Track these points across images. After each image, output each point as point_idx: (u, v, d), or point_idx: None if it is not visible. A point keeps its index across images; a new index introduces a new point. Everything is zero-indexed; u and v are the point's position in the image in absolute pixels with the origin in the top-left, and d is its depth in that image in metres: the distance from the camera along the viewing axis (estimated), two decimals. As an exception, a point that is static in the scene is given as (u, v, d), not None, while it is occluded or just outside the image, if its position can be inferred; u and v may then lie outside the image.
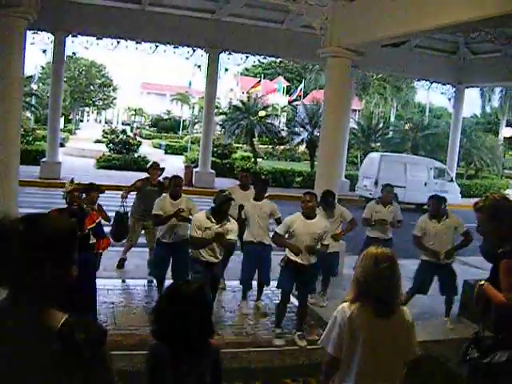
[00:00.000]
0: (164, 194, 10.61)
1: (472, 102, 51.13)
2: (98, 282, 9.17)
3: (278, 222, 10.25)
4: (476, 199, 5.74)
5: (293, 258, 8.94)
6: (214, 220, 8.71)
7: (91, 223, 8.31)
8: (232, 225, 8.90)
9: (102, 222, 9.11)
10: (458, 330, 9.92)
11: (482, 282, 5.18)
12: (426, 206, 11.51)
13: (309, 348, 8.67)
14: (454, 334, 9.72)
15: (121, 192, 12.35)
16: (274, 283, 9.89)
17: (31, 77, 49.95)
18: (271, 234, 9.99)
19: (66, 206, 8.32)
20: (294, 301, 10.10)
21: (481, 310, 5.29)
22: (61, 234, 2.69)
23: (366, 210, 11.91)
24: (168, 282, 9.66)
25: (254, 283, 10.82)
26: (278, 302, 9.87)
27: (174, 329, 3.54)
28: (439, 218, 10.36)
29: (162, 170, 12.73)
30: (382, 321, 4.28)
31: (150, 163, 14.55)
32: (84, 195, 9.00)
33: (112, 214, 11.44)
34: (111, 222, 11.12)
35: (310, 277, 9.26)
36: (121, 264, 12.36)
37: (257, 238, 10.36)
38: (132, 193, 12.52)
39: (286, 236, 9.09)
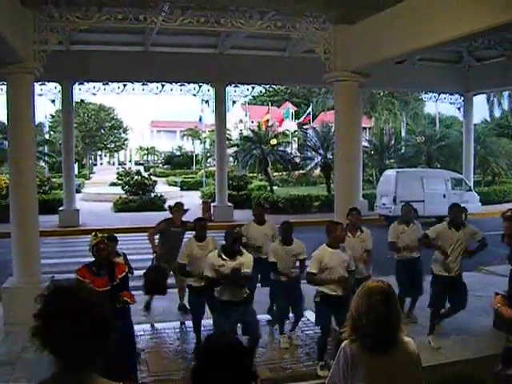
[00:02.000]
0: (189, 237, 10.55)
1: (480, 107, 51.04)
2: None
3: (302, 261, 10.25)
4: (496, 206, 5.71)
5: (329, 292, 8.86)
6: (225, 257, 8.65)
7: (121, 273, 8.26)
8: (246, 258, 8.81)
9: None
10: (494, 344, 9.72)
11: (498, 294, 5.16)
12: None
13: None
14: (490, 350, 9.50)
15: (141, 234, 12.33)
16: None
17: (41, 124, 50.32)
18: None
19: (93, 259, 8.28)
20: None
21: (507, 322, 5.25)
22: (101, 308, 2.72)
23: (391, 233, 11.70)
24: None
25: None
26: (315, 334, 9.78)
27: None
28: (458, 226, 10.18)
29: (186, 210, 12.61)
30: (381, 357, 4.15)
31: (168, 203, 14.53)
32: None
33: (134, 257, 11.41)
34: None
35: (348, 308, 9.14)
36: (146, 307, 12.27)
37: (285, 279, 10.28)
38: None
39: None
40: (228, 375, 3.17)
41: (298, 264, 10.42)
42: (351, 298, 8.99)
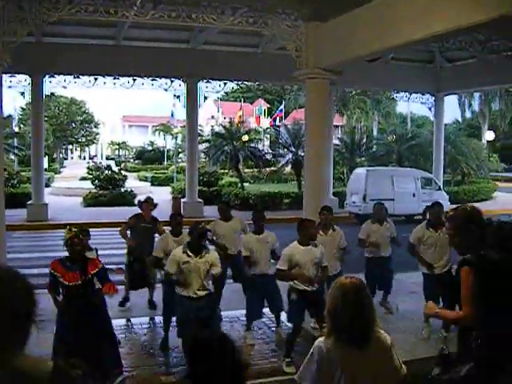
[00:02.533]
0: (165, 234, 10.53)
1: (451, 107, 51.49)
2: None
3: (273, 252, 10.26)
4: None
5: (300, 287, 8.91)
6: (191, 254, 8.60)
7: (94, 269, 8.19)
8: (212, 255, 8.81)
9: None
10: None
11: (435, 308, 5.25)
12: (417, 217, 11.43)
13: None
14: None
15: (111, 228, 12.31)
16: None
17: (10, 116, 49.76)
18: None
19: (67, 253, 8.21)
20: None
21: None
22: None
23: (362, 230, 11.81)
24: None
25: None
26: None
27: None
28: (437, 226, 10.28)
29: (155, 205, 12.66)
30: (357, 352, 4.20)
31: (138, 198, 14.45)
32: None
33: (105, 252, 11.32)
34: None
35: (322, 302, 9.22)
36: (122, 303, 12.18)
37: (262, 271, 10.24)
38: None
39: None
40: (224, 366, 3.16)
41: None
42: (324, 293, 9.16)
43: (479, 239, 5.03)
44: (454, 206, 5.75)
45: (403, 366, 4.47)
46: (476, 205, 5.65)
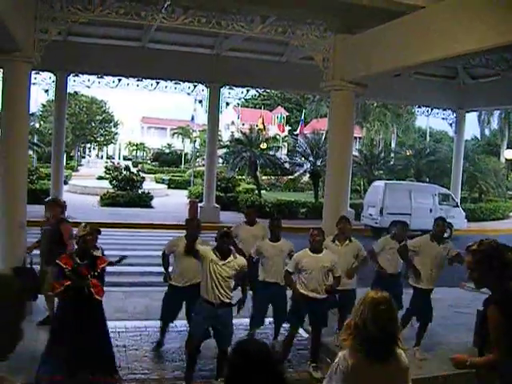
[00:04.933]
0: (180, 236, 10.43)
1: (470, 123, 51.26)
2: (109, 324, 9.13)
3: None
4: (481, 223, 5.70)
5: (303, 291, 9.02)
6: (218, 255, 8.52)
7: (102, 263, 8.26)
8: (240, 260, 8.65)
9: None
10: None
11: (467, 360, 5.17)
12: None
13: None
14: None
15: (126, 230, 12.19)
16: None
17: (33, 114, 50.11)
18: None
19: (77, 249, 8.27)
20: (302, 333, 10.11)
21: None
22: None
23: (380, 243, 11.67)
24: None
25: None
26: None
27: None
28: (440, 240, 10.28)
29: (62, 206, 11.44)
30: (380, 365, 4.24)
31: (47, 199, 13.85)
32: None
33: (113, 253, 11.30)
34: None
35: (322, 311, 9.26)
36: None
37: (272, 279, 10.22)
38: None
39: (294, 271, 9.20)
40: (265, 380, 3.15)
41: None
42: (330, 303, 9.18)
43: (501, 275, 4.98)
44: (478, 223, 5.73)
45: None
46: (491, 224, 5.60)
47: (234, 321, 9.04)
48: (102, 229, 9.51)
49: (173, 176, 54.77)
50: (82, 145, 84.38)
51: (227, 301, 8.43)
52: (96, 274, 8.07)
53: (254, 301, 10.68)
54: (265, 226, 11.56)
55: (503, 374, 4.80)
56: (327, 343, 10.07)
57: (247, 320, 10.70)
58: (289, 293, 10.05)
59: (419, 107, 30.92)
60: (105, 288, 8.35)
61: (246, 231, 11.68)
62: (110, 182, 36.19)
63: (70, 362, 7.59)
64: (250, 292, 10.46)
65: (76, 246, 8.45)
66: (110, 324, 9.33)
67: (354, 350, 4.29)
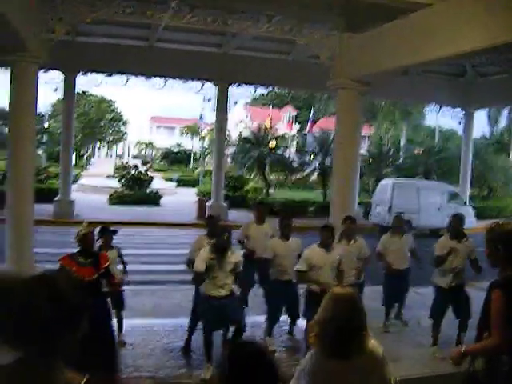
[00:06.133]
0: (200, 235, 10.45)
1: (480, 122, 51.09)
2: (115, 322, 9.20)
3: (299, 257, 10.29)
4: (491, 221, 5.72)
5: (318, 290, 9.00)
6: (217, 253, 8.72)
7: (105, 262, 8.28)
8: (236, 257, 8.96)
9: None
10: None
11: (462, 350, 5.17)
12: (441, 232, 11.33)
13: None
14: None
15: (135, 228, 12.22)
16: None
17: (42, 115, 50.30)
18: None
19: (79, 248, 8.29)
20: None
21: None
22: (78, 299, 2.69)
23: (380, 244, 11.71)
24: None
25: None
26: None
27: None
28: (460, 237, 10.16)
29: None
30: (348, 361, 4.17)
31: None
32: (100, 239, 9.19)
33: (127, 252, 11.33)
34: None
35: None
36: None
37: (285, 277, 10.30)
38: None
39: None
40: (262, 378, 3.15)
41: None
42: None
43: (507, 260, 5.00)
44: (487, 221, 5.76)
45: (396, 380, 4.44)
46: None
47: (248, 320, 9.23)
48: (111, 227, 9.60)
49: (182, 175, 54.88)
50: (92, 144, 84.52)
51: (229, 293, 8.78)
52: (102, 272, 8.10)
53: (267, 299, 10.74)
54: (274, 227, 11.59)
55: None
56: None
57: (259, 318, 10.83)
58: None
59: (427, 105, 30.87)
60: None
61: (256, 230, 11.76)
62: (119, 180, 36.32)
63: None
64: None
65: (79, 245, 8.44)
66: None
67: (321, 348, 4.25)
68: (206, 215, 10.85)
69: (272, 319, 10.54)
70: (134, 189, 34.48)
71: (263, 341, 10.32)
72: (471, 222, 28.25)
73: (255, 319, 10.96)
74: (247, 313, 10.47)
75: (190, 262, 9.91)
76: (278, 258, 10.31)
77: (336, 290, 4.42)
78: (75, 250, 8.17)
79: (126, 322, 10.53)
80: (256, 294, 11.86)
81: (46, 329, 2.53)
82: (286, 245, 10.38)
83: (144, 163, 62.68)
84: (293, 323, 10.77)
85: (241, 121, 65.44)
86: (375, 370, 4.30)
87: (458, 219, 10.59)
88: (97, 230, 8.89)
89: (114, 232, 9.77)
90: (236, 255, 9.05)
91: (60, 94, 26.65)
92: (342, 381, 4.21)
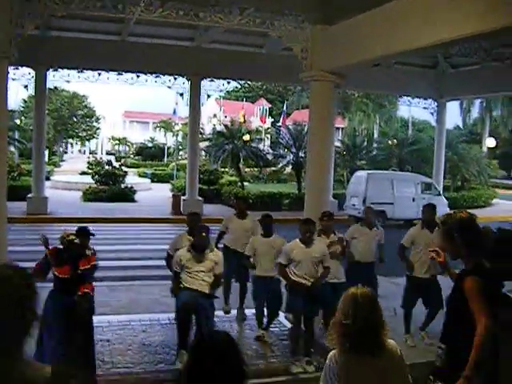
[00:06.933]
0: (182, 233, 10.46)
1: (452, 112, 51.47)
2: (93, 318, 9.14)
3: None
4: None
5: (299, 279, 9.14)
6: (194, 252, 8.79)
7: (85, 265, 8.24)
8: (216, 255, 9.00)
9: None
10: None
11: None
12: (415, 221, 11.39)
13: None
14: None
15: (109, 224, 12.15)
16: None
17: (13, 111, 49.80)
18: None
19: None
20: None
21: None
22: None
23: (347, 232, 11.45)
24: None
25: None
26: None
27: None
28: (432, 227, 10.16)
29: None
30: (370, 360, 4.23)
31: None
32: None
33: (101, 248, 11.24)
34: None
35: (318, 298, 9.37)
36: None
37: (267, 273, 10.36)
38: None
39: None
40: (224, 371, 3.13)
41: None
42: (320, 291, 9.29)
43: (467, 248, 5.03)
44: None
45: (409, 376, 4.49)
46: (474, 211, 5.66)
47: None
48: (85, 224, 9.52)
49: (156, 170, 54.72)
50: (64, 140, 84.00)
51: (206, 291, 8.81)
52: (76, 273, 8.08)
53: (253, 294, 10.80)
54: (255, 220, 11.69)
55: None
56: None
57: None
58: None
59: (400, 96, 31.06)
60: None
61: (237, 224, 11.80)
62: (93, 176, 36.09)
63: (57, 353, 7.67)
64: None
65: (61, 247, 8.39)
66: (94, 319, 9.35)
67: (342, 348, 4.28)
68: (188, 212, 10.76)
69: (258, 312, 10.63)
70: (109, 184, 34.28)
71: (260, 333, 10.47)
72: (445, 212, 28.52)
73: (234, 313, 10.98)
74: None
75: (170, 258, 9.91)
76: (259, 255, 10.43)
77: (353, 289, 4.40)
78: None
79: (102, 318, 10.49)
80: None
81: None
82: (266, 242, 10.45)
83: (118, 159, 62.43)
84: (270, 319, 10.74)
85: (214, 115, 65.34)
86: (395, 368, 4.36)
87: (430, 209, 10.70)
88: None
89: (91, 234, 9.71)
90: (216, 253, 9.09)
91: (31, 91, 26.38)
92: (364, 379, 4.27)
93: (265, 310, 10.64)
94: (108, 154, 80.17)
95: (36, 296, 2.77)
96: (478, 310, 4.82)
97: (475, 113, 60.03)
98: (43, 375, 2.61)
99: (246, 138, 39.37)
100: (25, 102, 64.71)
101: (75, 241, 8.22)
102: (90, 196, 32.77)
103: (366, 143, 44.80)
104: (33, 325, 2.70)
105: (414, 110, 44.35)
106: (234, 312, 11.48)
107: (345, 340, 4.25)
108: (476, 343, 4.80)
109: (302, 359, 9.14)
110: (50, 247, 8.23)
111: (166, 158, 68.64)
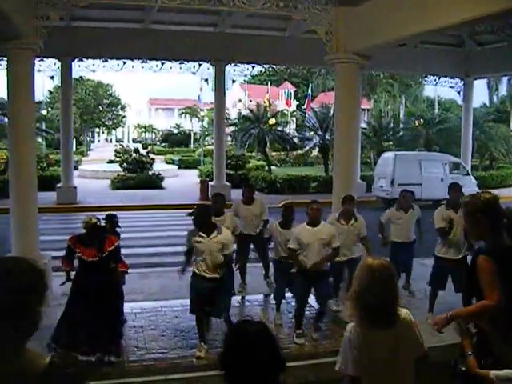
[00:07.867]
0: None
1: (479, 91, 50.86)
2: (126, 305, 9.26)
3: None
4: (493, 190, 5.68)
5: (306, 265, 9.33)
6: (203, 234, 8.76)
7: (110, 245, 8.39)
8: (224, 235, 8.92)
9: None
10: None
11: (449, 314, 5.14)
12: (442, 202, 11.40)
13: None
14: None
15: (139, 212, 12.26)
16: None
17: (40, 102, 50.14)
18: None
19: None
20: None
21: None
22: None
23: (385, 215, 12.06)
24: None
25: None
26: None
27: (245, 374, 3.21)
28: (457, 207, 10.01)
29: None
30: (386, 330, 4.28)
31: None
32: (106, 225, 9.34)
33: (130, 235, 11.37)
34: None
35: (325, 282, 9.71)
36: None
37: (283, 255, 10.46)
38: None
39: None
40: (261, 358, 3.14)
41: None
42: (330, 273, 9.43)
43: (491, 229, 4.99)
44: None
45: (424, 343, 4.51)
46: (503, 191, 5.59)
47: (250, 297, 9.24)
48: (114, 212, 9.61)
49: (183, 156, 54.82)
50: (91, 129, 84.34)
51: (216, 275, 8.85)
52: (104, 255, 8.30)
53: (274, 277, 11.10)
54: (262, 203, 12.37)
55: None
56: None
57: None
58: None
59: (426, 76, 30.75)
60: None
61: (245, 211, 12.18)
62: (120, 165, 36.30)
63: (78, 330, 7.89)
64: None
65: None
66: (126, 305, 9.46)
67: (360, 319, 4.33)
68: (212, 193, 11.05)
69: (277, 295, 10.73)
70: (136, 172, 34.46)
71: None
72: (474, 192, 28.27)
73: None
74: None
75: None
76: (277, 243, 10.62)
77: (369, 259, 4.45)
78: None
79: (135, 305, 10.61)
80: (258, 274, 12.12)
81: None
82: (285, 233, 10.42)
83: (144, 146, 62.64)
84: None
85: (239, 99, 65.26)
86: (409, 335, 4.41)
87: (455, 189, 10.65)
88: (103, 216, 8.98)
89: (117, 220, 9.92)
90: (225, 234, 8.97)
91: (57, 82, 26.56)
92: (383, 349, 4.30)
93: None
94: (134, 141, 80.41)
95: (46, 288, 2.82)
96: (487, 287, 4.81)
97: (503, 91, 59.33)
98: (39, 365, 2.66)
99: (272, 121, 39.29)
100: (51, 92, 65.06)
101: (98, 223, 8.37)
102: (118, 184, 33.01)
103: (392, 124, 44.51)
104: (39, 319, 2.75)
105: (440, 89, 43.81)
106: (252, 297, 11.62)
107: (361, 312, 4.29)
108: (478, 306, 4.86)
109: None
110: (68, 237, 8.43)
111: (192, 144, 68.81)
